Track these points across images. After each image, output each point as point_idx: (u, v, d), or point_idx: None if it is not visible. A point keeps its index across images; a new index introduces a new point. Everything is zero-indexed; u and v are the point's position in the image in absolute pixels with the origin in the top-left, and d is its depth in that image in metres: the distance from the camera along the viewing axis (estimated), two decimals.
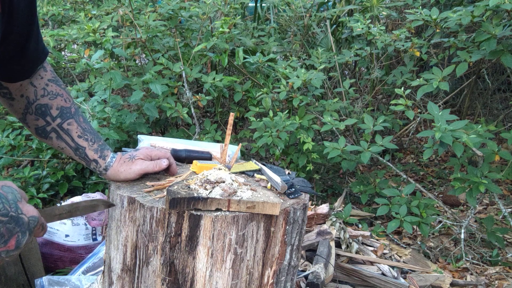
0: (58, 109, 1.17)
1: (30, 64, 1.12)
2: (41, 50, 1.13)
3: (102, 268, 1.91)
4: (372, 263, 2.24)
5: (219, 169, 1.14)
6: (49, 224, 2.34)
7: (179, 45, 3.48)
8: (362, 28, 3.35)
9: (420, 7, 3.24)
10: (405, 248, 2.64)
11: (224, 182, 1.08)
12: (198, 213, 1.01)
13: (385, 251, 2.44)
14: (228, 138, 1.27)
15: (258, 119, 3.12)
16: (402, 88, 2.73)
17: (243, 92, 3.43)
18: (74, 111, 1.19)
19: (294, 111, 3.25)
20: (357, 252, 2.31)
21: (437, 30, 3.16)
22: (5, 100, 1.16)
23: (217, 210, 1.04)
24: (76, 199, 2.36)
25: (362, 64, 4.25)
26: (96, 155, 1.20)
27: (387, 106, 3.83)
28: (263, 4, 4.88)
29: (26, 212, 0.86)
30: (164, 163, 1.20)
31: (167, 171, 1.25)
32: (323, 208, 2.40)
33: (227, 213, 1.03)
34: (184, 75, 3.22)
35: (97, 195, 2.42)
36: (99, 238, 2.39)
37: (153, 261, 1.06)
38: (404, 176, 2.97)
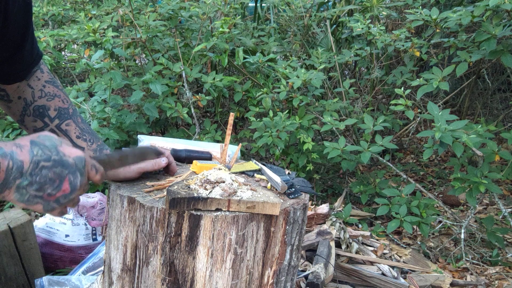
0: (56, 110, 1.17)
1: (26, 66, 1.12)
2: (36, 52, 1.14)
3: (102, 268, 1.91)
4: (372, 263, 2.24)
5: (219, 169, 1.14)
6: (49, 224, 2.35)
7: (179, 45, 3.48)
8: (362, 28, 3.35)
9: (420, 7, 3.24)
10: (405, 248, 2.64)
11: (224, 182, 1.08)
12: (198, 213, 1.01)
13: (385, 251, 2.44)
14: (228, 138, 1.27)
15: (258, 119, 3.12)
16: (402, 88, 2.73)
17: (243, 92, 3.43)
18: (72, 112, 1.19)
19: (294, 111, 3.25)
20: (357, 252, 2.31)
21: (437, 30, 3.16)
22: (2, 102, 1.16)
23: (217, 210, 1.04)
24: None
25: (362, 64, 4.25)
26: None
27: (387, 106, 3.83)
28: (263, 4, 4.88)
29: (69, 154, 0.86)
30: (163, 162, 1.20)
31: (166, 171, 1.25)
32: (323, 208, 2.40)
33: (227, 213, 1.03)
34: (184, 75, 3.22)
35: (97, 195, 2.42)
36: (99, 238, 2.39)
37: (153, 261, 1.06)
38: (404, 176, 2.97)
